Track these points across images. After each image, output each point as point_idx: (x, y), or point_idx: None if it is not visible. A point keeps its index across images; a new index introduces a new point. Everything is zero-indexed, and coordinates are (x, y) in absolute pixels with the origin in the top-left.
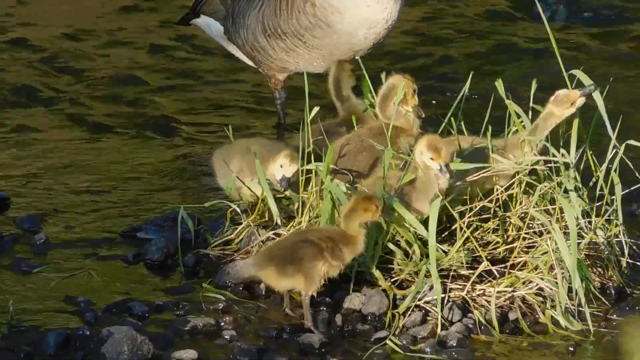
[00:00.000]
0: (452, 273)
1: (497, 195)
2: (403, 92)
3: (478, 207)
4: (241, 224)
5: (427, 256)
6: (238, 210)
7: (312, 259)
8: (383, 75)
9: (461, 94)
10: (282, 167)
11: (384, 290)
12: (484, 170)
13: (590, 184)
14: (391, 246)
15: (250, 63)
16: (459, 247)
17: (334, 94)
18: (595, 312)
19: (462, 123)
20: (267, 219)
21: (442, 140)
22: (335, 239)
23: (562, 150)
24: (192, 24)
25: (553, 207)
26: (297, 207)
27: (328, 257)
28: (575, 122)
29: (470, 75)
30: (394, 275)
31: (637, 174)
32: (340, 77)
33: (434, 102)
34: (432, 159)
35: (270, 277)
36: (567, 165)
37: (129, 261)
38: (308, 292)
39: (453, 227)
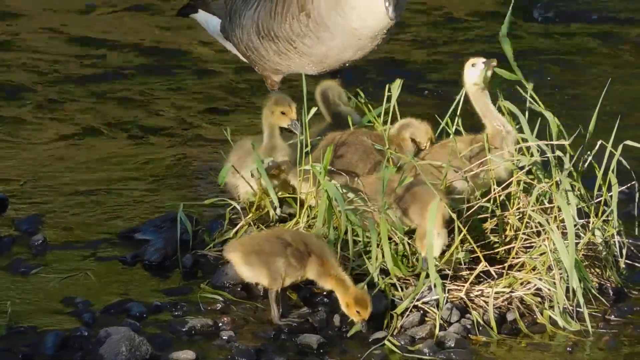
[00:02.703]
0: (450, 273)
1: (495, 194)
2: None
3: (475, 207)
4: (239, 224)
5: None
6: (238, 207)
7: (274, 254)
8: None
9: (460, 94)
10: (285, 114)
11: (382, 290)
12: (479, 168)
13: (583, 182)
14: (386, 249)
15: (246, 61)
16: (456, 247)
17: (322, 104)
18: (594, 313)
19: (460, 123)
20: (266, 219)
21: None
22: (310, 249)
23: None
24: (191, 17)
25: (552, 205)
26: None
27: (289, 255)
28: (553, 122)
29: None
30: (392, 276)
31: (633, 175)
32: (327, 90)
33: (425, 91)
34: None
35: (237, 264)
36: (562, 164)
37: (127, 262)
38: (270, 287)
39: (450, 227)
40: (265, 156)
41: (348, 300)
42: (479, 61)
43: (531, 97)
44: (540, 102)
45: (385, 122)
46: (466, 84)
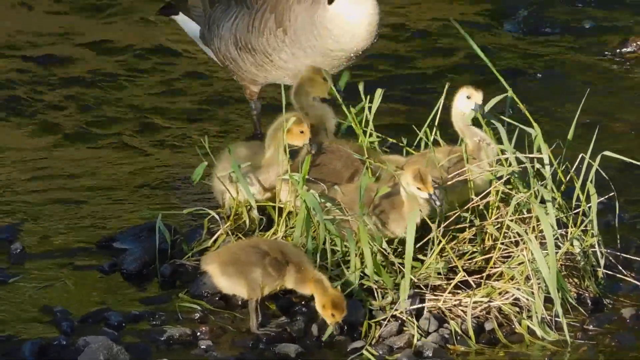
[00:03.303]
0: (428, 283)
1: (473, 204)
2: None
3: (454, 217)
4: (217, 233)
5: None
6: (216, 216)
7: (252, 264)
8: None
9: (438, 105)
10: (303, 133)
11: (360, 300)
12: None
13: (561, 192)
14: (366, 256)
15: (224, 67)
16: (435, 257)
17: (295, 101)
18: (572, 323)
19: (439, 133)
20: (246, 228)
21: (425, 169)
22: (288, 258)
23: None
24: (172, 18)
25: (530, 215)
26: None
27: (267, 265)
28: (538, 135)
29: (447, 87)
30: (369, 282)
31: (612, 185)
32: (304, 86)
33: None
34: (419, 189)
35: (215, 275)
36: (540, 174)
37: (105, 271)
38: (249, 297)
39: (429, 237)
40: (263, 169)
41: (325, 301)
42: (474, 100)
43: (511, 107)
44: (527, 112)
45: (364, 132)
46: (454, 110)
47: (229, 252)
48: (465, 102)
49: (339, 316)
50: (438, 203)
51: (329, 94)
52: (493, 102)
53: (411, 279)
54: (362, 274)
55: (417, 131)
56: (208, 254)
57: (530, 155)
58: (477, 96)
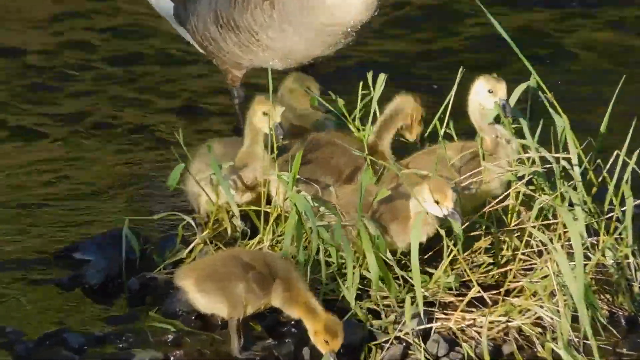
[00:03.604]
0: (437, 300)
1: (490, 208)
2: (409, 118)
3: (467, 223)
4: (194, 242)
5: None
6: (192, 222)
7: (233, 279)
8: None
9: (450, 93)
10: (267, 114)
11: (358, 320)
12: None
13: (592, 195)
14: (366, 273)
15: (203, 52)
16: (445, 270)
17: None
18: (603, 345)
19: (452, 126)
20: (227, 236)
21: (445, 182)
22: (275, 272)
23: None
24: None
25: (555, 221)
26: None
27: (251, 280)
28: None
29: (461, 72)
30: (370, 303)
31: None
32: (284, 98)
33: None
34: (437, 202)
35: (190, 291)
36: (568, 173)
37: (64, 285)
38: (230, 317)
39: (438, 247)
40: (241, 165)
41: (317, 327)
42: (498, 95)
43: (534, 95)
44: (554, 101)
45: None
46: (472, 103)
47: (207, 265)
48: (486, 95)
49: (335, 344)
50: (458, 219)
51: (311, 105)
52: (518, 92)
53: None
54: (360, 289)
55: (426, 123)
56: (183, 267)
57: (557, 155)
58: (501, 89)
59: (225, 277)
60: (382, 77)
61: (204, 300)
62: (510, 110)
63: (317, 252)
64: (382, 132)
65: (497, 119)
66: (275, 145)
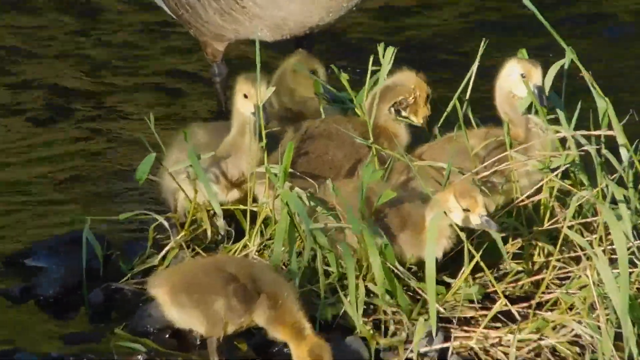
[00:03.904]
0: (456, 315)
1: (518, 204)
2: (413, 97)
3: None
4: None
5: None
6: (165, 223)
7: (212, 292)
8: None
9: (470, 72)
10: (248, 97)
11: (363, 338)
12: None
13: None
14: (371, 285)
15: (178, 21)
16: (466, 279)
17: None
18: None
19: (470, 110)
20: (207, 239)
21: (470, 183)
22: (260, 286)
23: None
24: None
25: (595, 219)
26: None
27: (231, 295)
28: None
29: (483, 45)
30: (376, 318)
31: None
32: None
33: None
34: (467, 210)
35: (164, 303)
36: (610, 164)
37: (14, 298)
38: (208, 335)
39: (457, 251)
40: (225, 157)
41: (300, 353)
42: (533, 80)
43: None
44: (592, 82)
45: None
46: (499, 89)
47: (185, 273)
48: (517, 80)
49: None
50: (494, 227)
51: (315, 92)
52: (552, 72)
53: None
54: (365, 302)
55: (442, 106)
56: (157, 274)
57: (596, 133)
58: (536, 73)
59: (204, 289)
60: (390, 51)
61: (179, 315)
62: (546, 98)
63: (314, 260)
64: (373, 102)
65: (529, 109)
66: (263, 133)
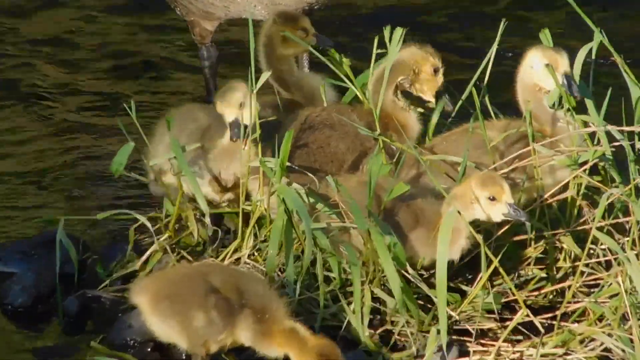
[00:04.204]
0: (474, 326)
1: (542, 203)
2: (413, 73)
3: (511, 223)
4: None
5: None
6: (148, 224)
7: (191, 304)
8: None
9: (488, 55)
10: (242, 106)
11: (369, 352)
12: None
13: None
14: (378, 292)
15: None
16: (483, 286)
17: (265, 62)
18: None
19: (487, 98)
20: (195, 242)
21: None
22: (246, 299)
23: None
24: None
25: (627, 220)
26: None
27: (211, 308)
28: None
29: (502, 25)
30: (383, 330)
31: None
32: (273, 38)
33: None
34: (493, 199)
35: (145, 312)
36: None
37: None
38: (192, 353)
39: (473, 255)
40: (220, 161)
41: (308, 357)
42: (560, 69)
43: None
44: (627, 68)
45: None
46: (522, 80)
47: (168, 281)
48: (542, 71)
49: None
50: (524, 218)
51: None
52: (582, 55)
53: (448, 319)
54: (372, 308)
55: (457, 94)
56: (140, 280)
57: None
58: (563, 62)
59: (185, 300)
60: (398, 32)
61: (160, 326)
62: (577, 88)
63: (314, 264)
64: (377, 86)
65: (558, 102)
66: (257, 123)
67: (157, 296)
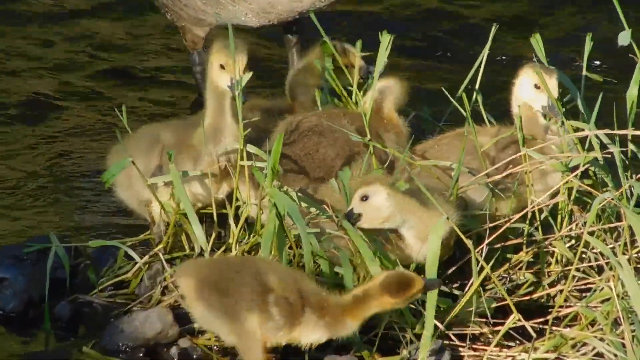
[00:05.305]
0: (465, 331)
1: (533, 208)
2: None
3: (503, 228)
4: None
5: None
6: (135, 255)
7: (246, 307)
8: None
9: (480, 58)
10: (225, 67)
11: (360, 357)
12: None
13: None
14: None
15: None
16: (474, 291)
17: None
18: None
19: (480, 102)
20: (187, 249)
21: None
22: (306, 297)
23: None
24: None
25: (620, 225)
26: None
27: (271, 308)
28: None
29: (493, 30)
30: (374, 334)
31: None
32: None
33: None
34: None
35: (189, 295)
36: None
37: None
38: (242, 353)
39: (464, 260)
40: (206, 142)
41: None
42: (551, 86)
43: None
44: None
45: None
46: (516, 99)
47: (216, 268)
48: (532, 92)
49: (417, 289)
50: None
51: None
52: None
53: (436, 325)
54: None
55: (450, 97)
56: (187, 262)
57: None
58: (552, 84)
59: (236, 302)
60: (387, 38)
61: (204, 314)
62: (558, 112)
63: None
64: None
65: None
66: (240, 111)
67: (203, 281)
